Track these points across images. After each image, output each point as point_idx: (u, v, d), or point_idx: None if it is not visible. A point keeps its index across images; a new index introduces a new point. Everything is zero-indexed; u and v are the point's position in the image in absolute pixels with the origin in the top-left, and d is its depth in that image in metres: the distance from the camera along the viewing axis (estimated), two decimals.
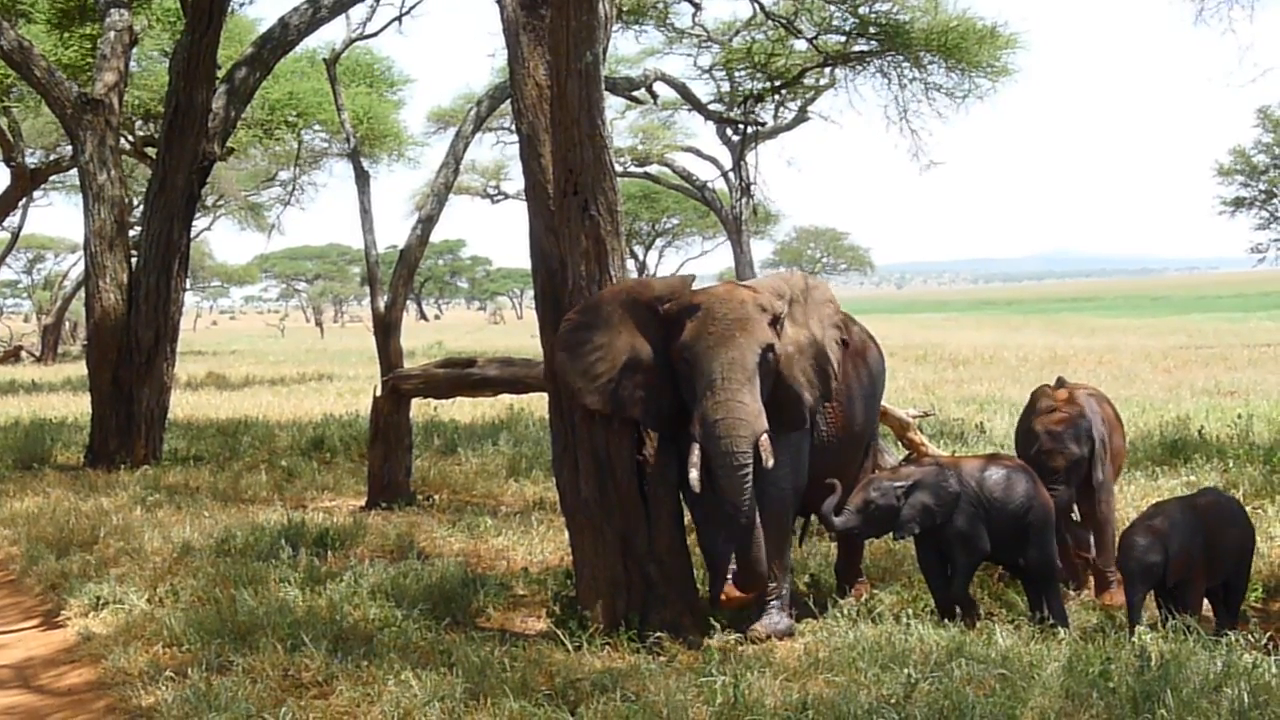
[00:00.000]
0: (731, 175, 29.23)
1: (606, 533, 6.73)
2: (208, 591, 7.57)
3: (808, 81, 24.70)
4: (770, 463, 6.42)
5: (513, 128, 9.50)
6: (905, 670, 5.52)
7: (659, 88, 21.24)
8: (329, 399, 21.42)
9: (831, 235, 60.41)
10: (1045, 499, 6.92)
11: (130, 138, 22.52)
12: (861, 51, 21.41)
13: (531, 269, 7.21)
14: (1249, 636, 5.97)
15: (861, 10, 20.35)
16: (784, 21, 20.20)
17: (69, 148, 18.46)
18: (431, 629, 6.74)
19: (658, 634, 6.45)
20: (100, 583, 7.98)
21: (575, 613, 6.74)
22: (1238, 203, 38.23)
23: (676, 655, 6.23)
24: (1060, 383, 8.10)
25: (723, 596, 6.79)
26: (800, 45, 21.86)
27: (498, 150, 45.48)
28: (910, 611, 6.67)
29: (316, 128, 26.76)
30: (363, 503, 11.12)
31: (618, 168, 7.57)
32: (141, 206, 16.46)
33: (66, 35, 20.00)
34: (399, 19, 14.60)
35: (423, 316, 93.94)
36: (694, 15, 22.02)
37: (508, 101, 10.25)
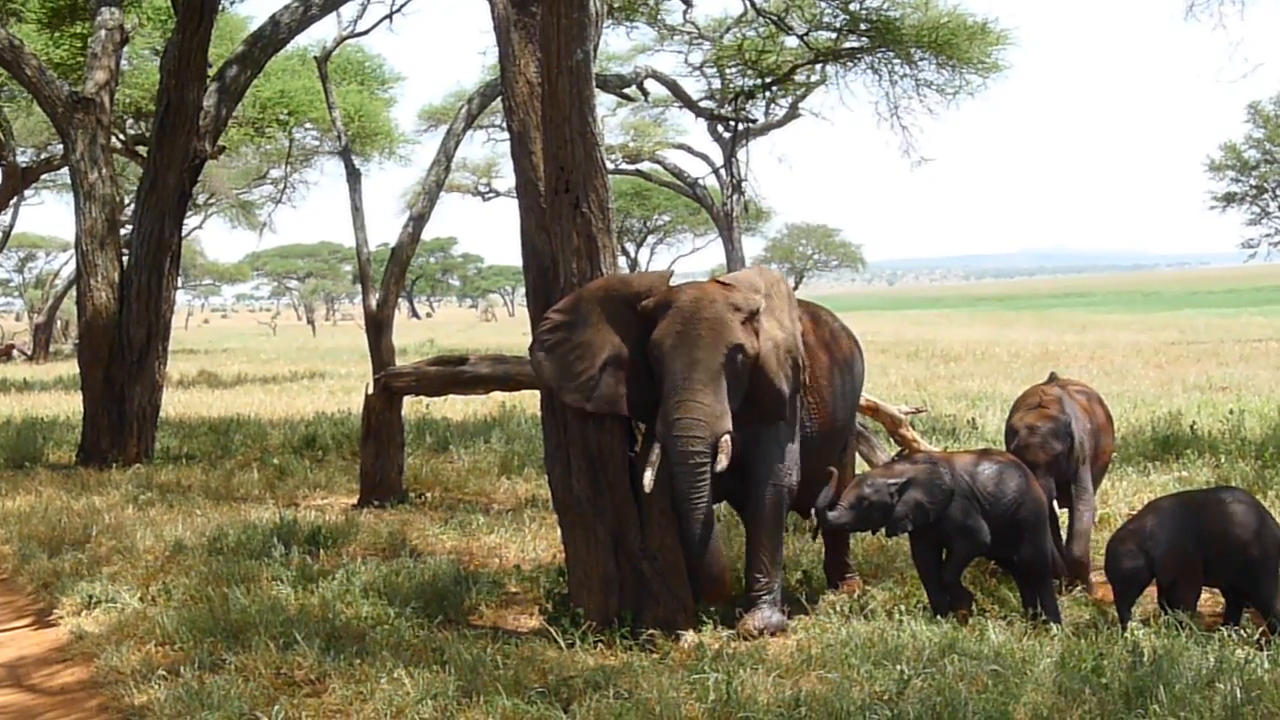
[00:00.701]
0: (723, 172, 29.29)
1: (599, 530, 6.72)
2: (200, 590, 7.55)
3: (799, 78, 24.74)
4: (724, 465, 6.43)
5: (504, 125, 9.51)
6: (898, 667, 5.52)
7: (650, 85, 21.32)
8: (321, 397, 21.39)
9: (823, 232, 60.33)
10: (1038, 494, 6.93)
11: (121, 136, 22.54)
12: (852, 48, 21.43)
13: (523, 266, 7.21)
14: (1241, 632, 5.97)
15: (852, 7, 20.36)
16: (775, 18, 20.20)
17: (60, 146, 18.40)
18: (424, 627, 6.74)
19: (650, 631, 6.45)
20: (92, 581, 7.96)
21: (568, 610, 6.74)
22: (1229, 198, 38.31)
23: (669, 652, 6.23)
24: (1053, 378, 8.12)
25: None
26: (791, 42, 21.88)
27: (489, 148, 45.60)
28: (903, 608, 6.68)
29: (308, 126, 26.77)
30: (355, 501, 11.10)
31: (609, 165, 7.59)
32: (133, 205, 16.39)
33: (57, 34, 20.00)
34: (390, 17, 14.64)
35: (414, 314, 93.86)
36: (685, 12, 22.09)
37: (499, 99, 10.24)
